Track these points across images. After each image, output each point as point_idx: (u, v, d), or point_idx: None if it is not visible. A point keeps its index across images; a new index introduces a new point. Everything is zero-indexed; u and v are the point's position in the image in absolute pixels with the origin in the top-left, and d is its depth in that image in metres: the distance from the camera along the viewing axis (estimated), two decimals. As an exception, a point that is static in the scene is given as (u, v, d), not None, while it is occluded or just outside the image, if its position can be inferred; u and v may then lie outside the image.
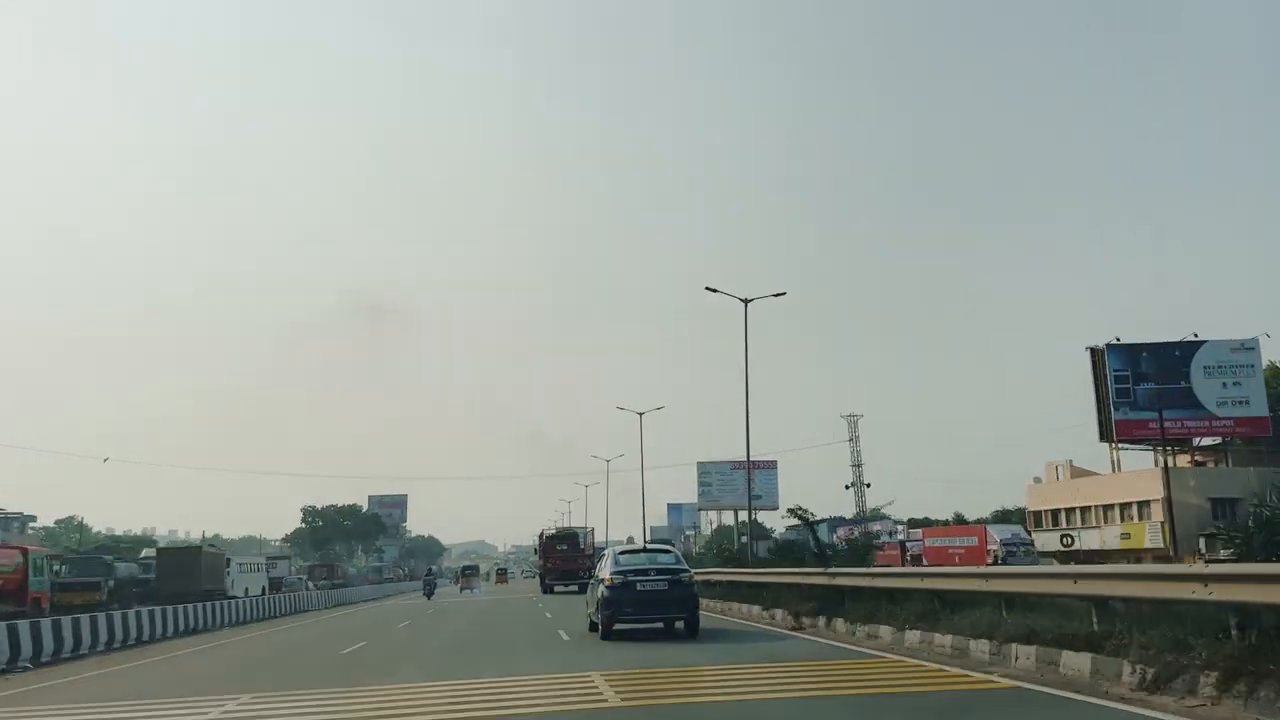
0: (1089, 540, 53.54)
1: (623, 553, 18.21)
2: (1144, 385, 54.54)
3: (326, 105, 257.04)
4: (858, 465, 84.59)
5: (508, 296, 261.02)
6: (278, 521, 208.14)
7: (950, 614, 12.92)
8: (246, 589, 44.58)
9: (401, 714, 9.52)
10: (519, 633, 20.64)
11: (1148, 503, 51.98)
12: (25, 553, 31.93)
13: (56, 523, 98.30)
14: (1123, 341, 55.70)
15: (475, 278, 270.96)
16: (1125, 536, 52.44)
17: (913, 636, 13.22)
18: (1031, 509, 62.28)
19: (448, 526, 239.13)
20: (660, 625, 17.24)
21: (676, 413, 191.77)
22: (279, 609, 39.28)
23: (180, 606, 28.13)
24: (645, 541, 51.78)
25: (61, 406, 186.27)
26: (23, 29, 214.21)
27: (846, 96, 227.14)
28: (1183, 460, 57.56)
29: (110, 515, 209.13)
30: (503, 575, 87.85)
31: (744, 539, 59.64)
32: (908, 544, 58.77)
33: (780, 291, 34.30)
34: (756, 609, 21.12)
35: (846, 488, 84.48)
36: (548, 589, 47.18)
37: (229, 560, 45.90)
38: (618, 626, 16.69)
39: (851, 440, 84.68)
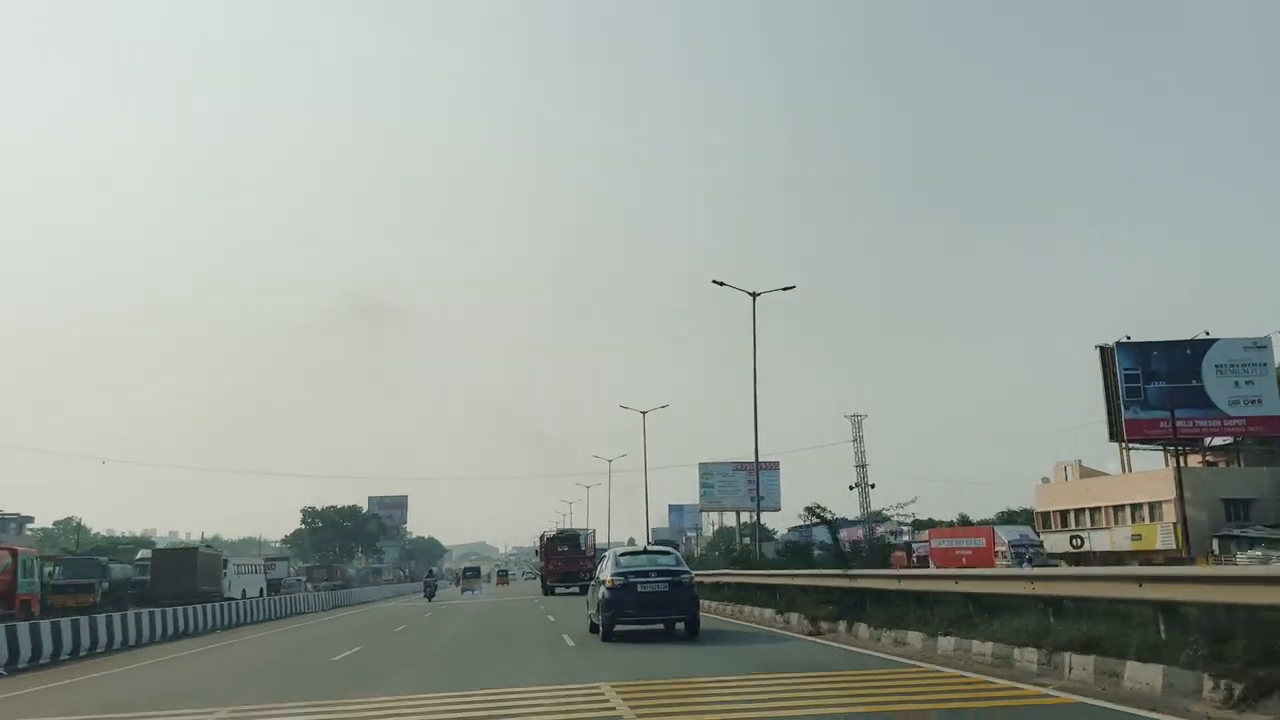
0: (1099, 541, 52.60)
1: (623, 554, 18.23)
2: (1155, 384, 53.56)
3: (326, 105, 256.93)
4: (862, 466, 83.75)
5: (508, 296, 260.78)
6: (278, 523, 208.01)
7: (989, 619, 11.94)
8: (244, 591, 43.89)
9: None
10: (521, 636, 19.81)
11: (1159, 503, 51.13)
12: (14, 553, 31.17)
13: (55, 524, 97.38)
14: (1133, 340, 54.69)
15: (475, 278, 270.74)
16: (1137, 538, 51.54)
17: (946, 644, 12.26)
18: (1039, 509, 61.34)
19: (448, 528, 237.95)
20: (661, 626, 17.18)
21: (677, 413, 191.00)
22: (276, 611, 38.74)
23: (173, 609, 27.74)
24: (647, 543, 51.12)
25: (61, 407, 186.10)
26: (23, 29, 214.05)
27: (846, 97, 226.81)
28: (1194, 460, 56.61)
29: (109, 517, 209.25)
30: (504, 577, 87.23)
31: (746, 540, 58.90)
32: (914, 545, 57.76)
33: (789, 285, 34.45)
34: (770, 612, 20.24)
35: (850, 488, 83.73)
36: (549, 590, 46.96)
37: (226, 562, 45.26)
38: (618, 628, 16.71)
39: (856, 440, 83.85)
